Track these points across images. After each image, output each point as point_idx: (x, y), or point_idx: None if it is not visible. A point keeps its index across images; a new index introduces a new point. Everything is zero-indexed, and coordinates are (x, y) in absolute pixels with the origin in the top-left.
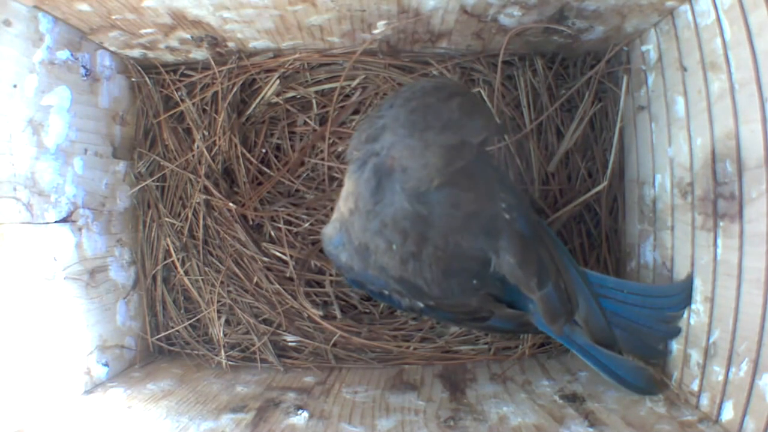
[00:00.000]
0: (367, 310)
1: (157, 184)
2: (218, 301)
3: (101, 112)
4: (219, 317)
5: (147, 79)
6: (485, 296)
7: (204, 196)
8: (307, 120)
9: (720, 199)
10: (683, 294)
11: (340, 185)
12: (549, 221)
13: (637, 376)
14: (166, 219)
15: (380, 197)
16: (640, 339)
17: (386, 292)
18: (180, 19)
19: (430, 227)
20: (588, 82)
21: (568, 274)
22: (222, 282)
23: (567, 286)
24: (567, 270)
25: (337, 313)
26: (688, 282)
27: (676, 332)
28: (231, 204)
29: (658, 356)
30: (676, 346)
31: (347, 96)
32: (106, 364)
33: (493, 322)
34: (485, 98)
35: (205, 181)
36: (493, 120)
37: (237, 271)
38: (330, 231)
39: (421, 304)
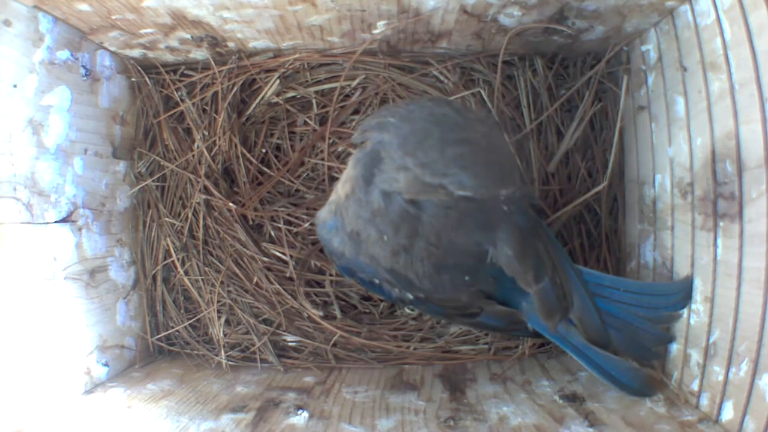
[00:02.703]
0: (367, 310)
1: (157, 184)
2: (218, 301)
3: (101, 112)
4: (219, 317)
5: (147, 79)
6: (476, 292)
7: (204, 196)
8: (307, 120)
9: (720, 199)
10: (681, 293)
11: None
12: (549, 221)
13: (631, 377)
14: (166, 219)
15: (373, 186)
16: (635, 340)
17: (377, 281)
18: (180, 19)
19: (421, 223)
20: (588, 82)
21: (563, 271)
22: (222, 282)
23: (563, 282)
24: (563, 267)
25: (337, 313)
26: (687, 281)
27: (671, 338)
28: (231, 204)
29: (654, 358)
30: (676, 346)
31: (347, 96)
32: (106, 364)
33: (483, 319)
34: (485, 98)
35: (205, 181)
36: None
37: (237, 271)
38: (324, 215)
39: (410, 296)
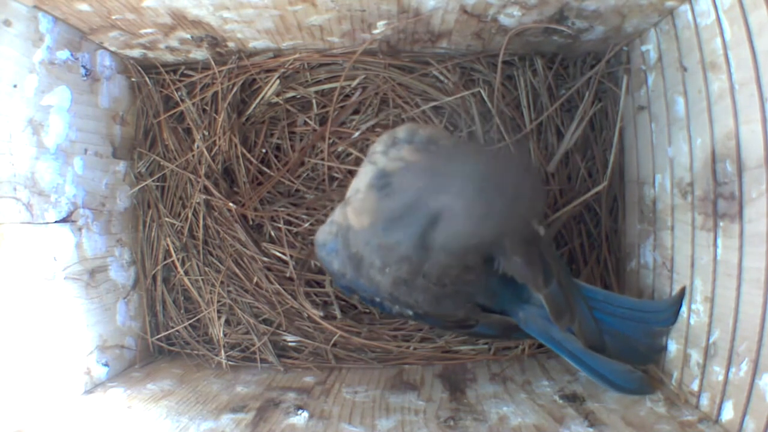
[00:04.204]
0: (367, 310)
1: (157, 184)
2: (218, 301)
3: (101, 112)
4: (219, 317)
5: (147, 79)
6: (473, 307)
7: (204, 196)
8: (307, 120)
9: (720, 199)
10: (670, 311)
11: (341, 185)
12: (549, 221)
13: (628, 379)
14: (166, 219)
15: (397, 225)
16: (629, 346)
17: (377, 299)
18: (180, 19)
19: (424, 266)
20: (588, 82)
21: (566, 277)
22: (222, 282)
23: (566, 287)
24: (566, 273)
25: (337, 313)
26: (677, 299)
27: (661, 348)
28: (231, 204)
29: (648, 363)
30: (675, 346)
31: (347, 96)
32: (106, 364)
33: (479, 329)
34: (485, 98)
35: (205, 181)
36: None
37: (237, 271)
38: (324, 237)
39: (410, 312)
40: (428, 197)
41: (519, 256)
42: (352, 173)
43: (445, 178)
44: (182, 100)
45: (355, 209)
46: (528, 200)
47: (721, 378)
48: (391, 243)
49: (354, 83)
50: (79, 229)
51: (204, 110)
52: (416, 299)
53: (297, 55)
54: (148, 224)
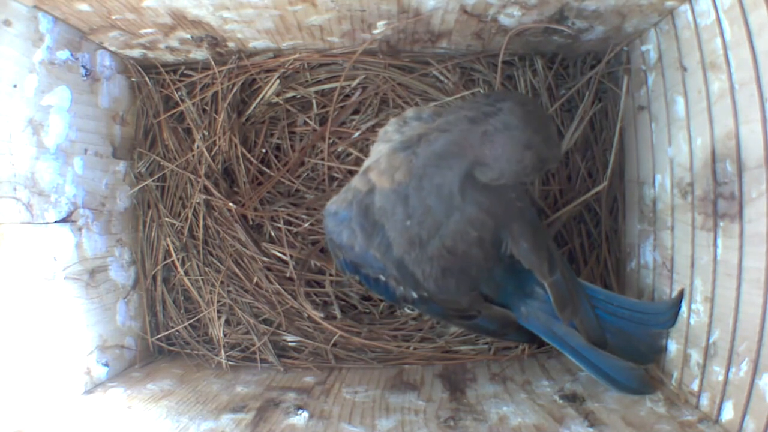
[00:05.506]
0: (367, 310)
1: (157, 184)
2: (218, 301)
3: (101, 112)
4: (219, 317)
5: (147, 79)
6: (477, 296)
7: (204, 196)
8: (307, 120)
9: (720, 199)
10: (669, 313)
11: (340, 185)
12: (549, 221)
13: (629, 377)
14: (166, 219)
15: (438, 167)
16: (630, 344)
17: (382, 278)
18: (180, 19)
19: (445, 225)
20: (588, 82)
21: (568, 271)
22: (222, 282)
23: (569, 279)
24: (568, 268)
25: (337, 313)
26: (676, 301)
27: (661, 349)
28: (231, 204)
29: (649, 362)
30: (675, 346)
31: (347, 96)
32: (106, 364)
33: (480, 322)
34: None
35: (205, 181)
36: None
37: (237, 271)
38: (336, 206)
39: (414, 294)
40: (473, 132)
41: (526, 241)
42: (352, 173)
43: (486, 115)
44: (182, 100)
45: (381, 171)
46: (556, 138)
47: (721, 378)
48: (427, 188)
49: (354, 83)
50: (79, 229)
51: (204, 110)
52: (423, 270)
53: (297, 55)
54: (148, 224)
